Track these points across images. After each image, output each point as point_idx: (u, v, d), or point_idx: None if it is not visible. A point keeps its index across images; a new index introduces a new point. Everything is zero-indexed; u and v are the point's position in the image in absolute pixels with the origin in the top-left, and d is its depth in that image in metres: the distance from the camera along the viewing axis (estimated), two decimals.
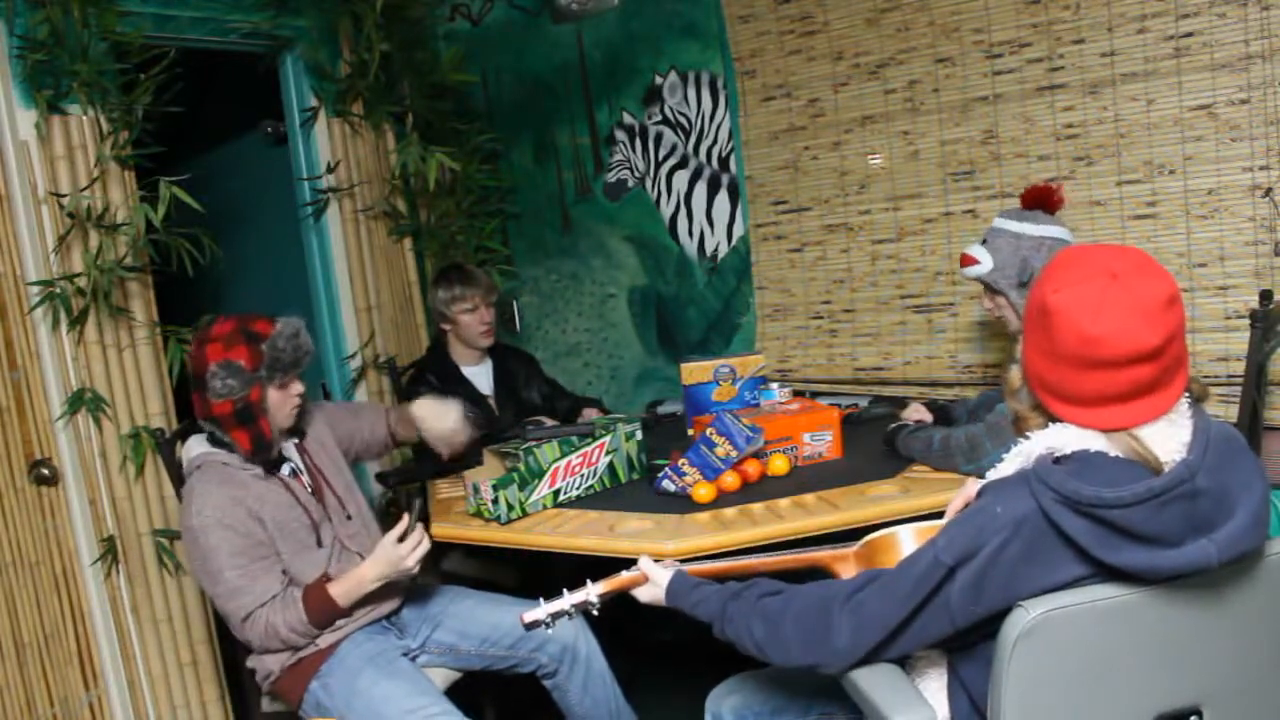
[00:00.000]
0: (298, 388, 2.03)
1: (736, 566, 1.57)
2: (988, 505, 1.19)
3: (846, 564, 1.55)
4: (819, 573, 1.55)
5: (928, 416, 2.33)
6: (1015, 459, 1.25)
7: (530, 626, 1.53)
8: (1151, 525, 1.10)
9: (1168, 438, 1.16)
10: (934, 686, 1.34)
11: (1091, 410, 1.18)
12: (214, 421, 1.96)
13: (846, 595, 1.30)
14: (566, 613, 1.53)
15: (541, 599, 1.54)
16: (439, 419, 2.33)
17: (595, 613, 1.56)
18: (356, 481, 2.23)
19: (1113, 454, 1.16)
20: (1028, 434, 1.24)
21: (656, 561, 1.56)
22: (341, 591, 1.92)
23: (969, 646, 1.25)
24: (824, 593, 1.33)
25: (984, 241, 2.11)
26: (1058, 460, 1.18)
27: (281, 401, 2.00)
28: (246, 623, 1.90)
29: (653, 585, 1.53)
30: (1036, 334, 1.20)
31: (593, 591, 1.54)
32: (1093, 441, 1.17)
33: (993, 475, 1.28)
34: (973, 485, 1.36)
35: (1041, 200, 2.09)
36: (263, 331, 1.94)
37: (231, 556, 1.89)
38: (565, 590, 1.54)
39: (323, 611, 1.92)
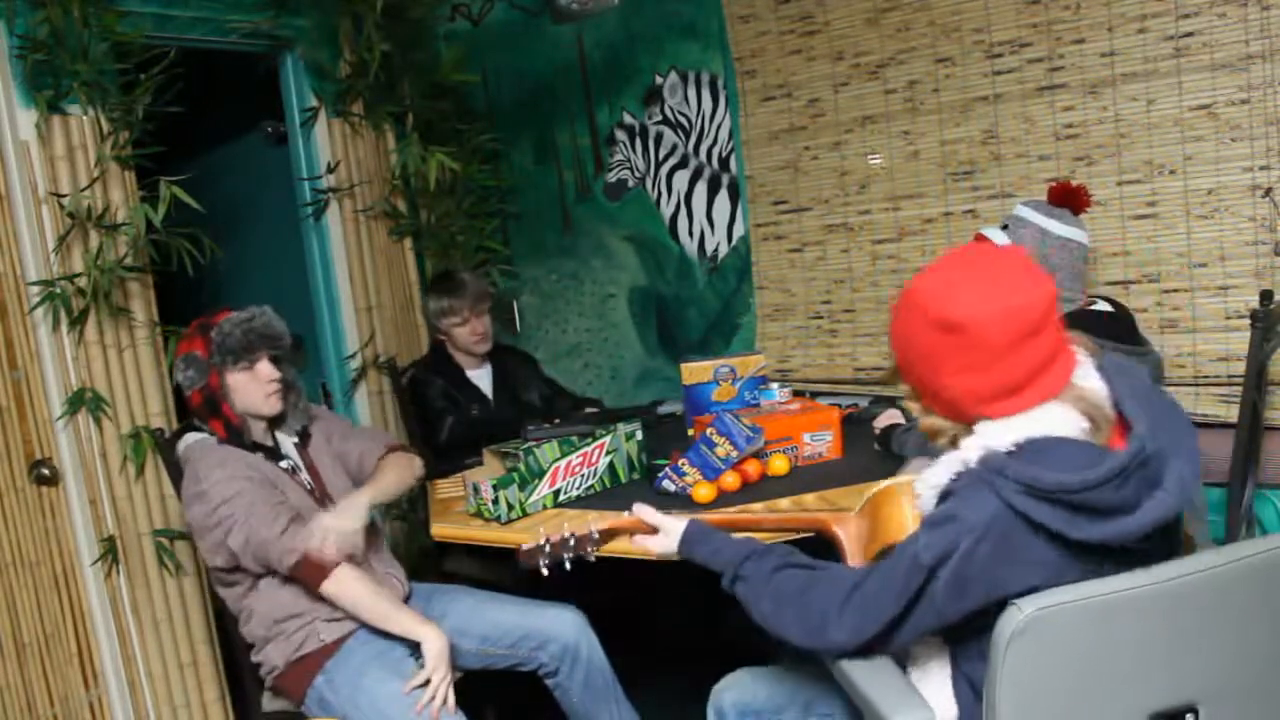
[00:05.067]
0: (269, 372, 2.03)
1: (739, 520, 1.56)
2: (954, 509, 1.21)
3: (846, 524, 1.56)
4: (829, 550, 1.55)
5: (902, 419, 2.31)
6: (950, 465, 1.27)
7: (525, 558, 1.50)
8: (1116, 499, 1.14)
9: (1090, 384, 1.23)
10: (937, 680, 1.34)
11: (1036, 384, 1.21)
12: (196, 415, 2.04)
13: (846, 593, 1.31)
14: (563, 561, 1.52)
15: (543, 531, 1.51)
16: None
17: (593, 559, 1.53)
18: None
19: (1055, 431, 1.19)
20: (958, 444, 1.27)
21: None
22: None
23: (967, 639, 1.27)
24: (830, 588, 1.34)
25: (1004, 227, 2.09)
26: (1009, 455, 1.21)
27: (249, 384, 2.02)
28: (285, 536, 1.90)
29: (664, 535, 1.52)
30: (955, 358, 1.22)
31: (594, 528, 1.52)
32: (1032, 427, 1.20)
33: (927, 484, 1.30)
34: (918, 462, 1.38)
35: (1070, 199, 2.08)
36: (215, 321, 2.01)
37: (251, 493, 1.91)
38: (566, 525, 1.52)
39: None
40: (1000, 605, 1.17)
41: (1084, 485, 1.12)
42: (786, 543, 1.51)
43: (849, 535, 1.57)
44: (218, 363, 1.99)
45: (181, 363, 2.01)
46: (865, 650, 1.31)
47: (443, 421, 2.79)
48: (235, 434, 2.01)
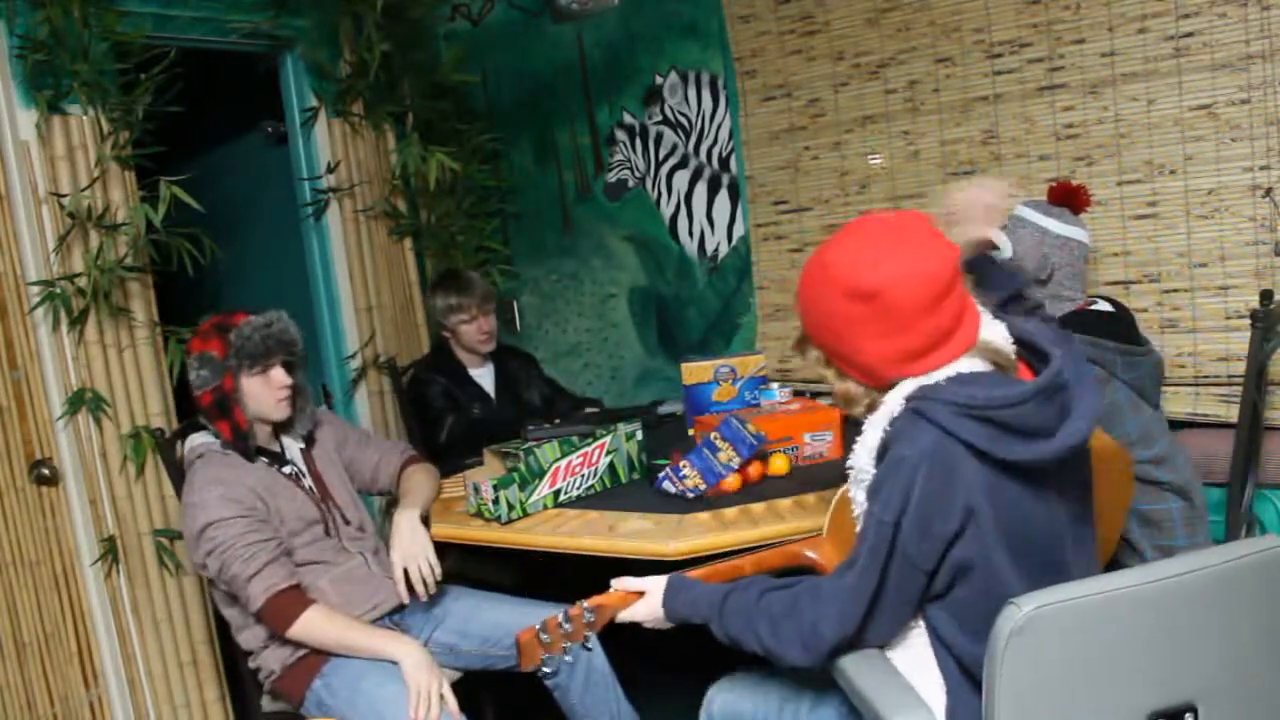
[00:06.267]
0: (281, 378, 2.03)
1: (718, 571, 1.55)
2: (896, 455, 1.25)
3: (819, 545, 1.56)
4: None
5: None
6: (878, 423, 1.32)
7: (526, 661, 1.47)
8: (1036, 419, 1.22)
9: (993, 334, 1.32)
10: (919, 656, 1.34)
11: (952, 339, 1.28)
12: (202, 414, 2.02)
13: (829, 590, 1.33)
14: (563, 654, 1.48)
15: (539, 628, 1.47)
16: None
17: (589, 647, 1.52)
18: (362, 499, 2.25)
19: (970, 370, 1.27)
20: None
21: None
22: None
23: (934, 600, 1.29)
24: (812, 593, 1.35)
25: (1003, 226, 2.10)
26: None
27: (262, 390, 2.02)
28: (255, 580, 1.90)
29: (650, 596, 1.50)
30: (871, 325, 1.27)
31: (585, 604, 1.48)
32: (952, 370, 1.27)
33: (860, 450, 1.35)
34: None
35: (1070, 198, 2.09)
36: (235, 323, 2.00)
37: (238, 525, 1.91)
38: (563, 617, 1.46)
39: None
40: (951, 544, 1.23)
41: (1008, 401, 1.20)
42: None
43: (824, 553, 1.57)
44: (234, 365, 1.98)
45: (195, 361, 1.99)
46: (857, 640, 1.31)
47: (442, 421, 2.79)
48: (241, 438, 2.01)
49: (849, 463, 1.38)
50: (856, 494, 1.37)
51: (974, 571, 1.25)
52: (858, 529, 1.35)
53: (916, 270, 1.24)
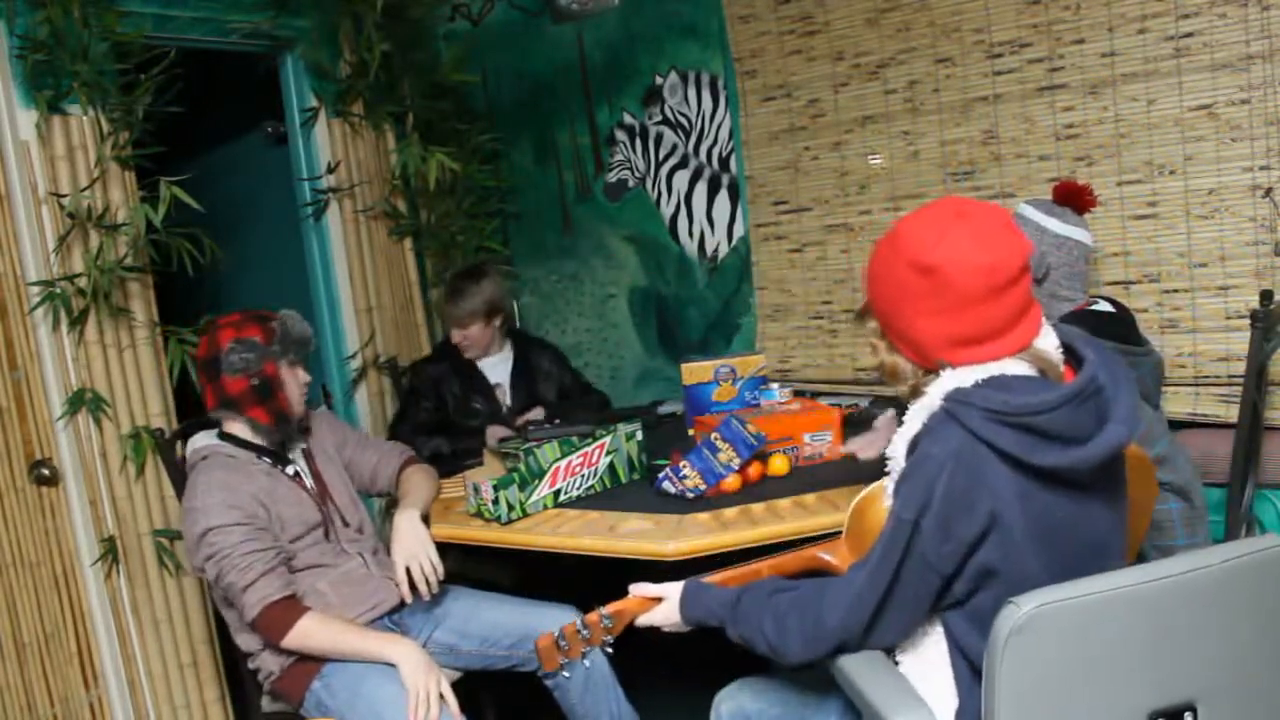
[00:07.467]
0: (304, 375, 2.09)
1: (737, 575, 1.55)
2: (923, 452, 1.25)
3: (839, 549, 1.55)
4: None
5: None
6: (918, 414, 1.31)
7: (548, 665, 1.50)
8: (1071, 425, 1.21)
9: (1047, 343, 1.30)
10: (932, 659, 1.34)
11: (1005, 337, 1.27)
12: (230, 404, 2.01)
13: (839, 584, 1.33)
14: (582, 656, 1.51)
15: (557, 636, 1.49)
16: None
17: (609, 650, 1.54)
18: (362, 499, 2.26)
19: (1012, 373, 1.26)
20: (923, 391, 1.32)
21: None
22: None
23: (954, 607, 1.29)
24: (820, 587, 1.36)
25: None
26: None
27: (291, 382, 2.06)
28: (250, 590, 1.90)
29: (667, 602, 1.51)
30: (925, 301, 1.27)
31: (602, 611, 1.50)
32: (993, 368, 1.26)
33: (899, 439, 1.34)
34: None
35: (1073, 198, 2.08)
36: (270, 315, 2.05)
37: (237, 533, 1.91)
38: (580, 624, 1.49)
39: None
40: (974, 549, 1.22)
41: (1045, 406, 1.19)
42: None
43: (841, 557, 1.57)
44: (278, 352, 2.02)
45: (237, 345, 1.98)
46: (863, 640, 1.31)
47: (404, 415, 2.88)
48: (285, 421, 2.04)
49: (888, 452, 1.37)
50: (889, 485, 1.37)
51: (999, 577, 1.24)
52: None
53: (977, 256, 1.24)
